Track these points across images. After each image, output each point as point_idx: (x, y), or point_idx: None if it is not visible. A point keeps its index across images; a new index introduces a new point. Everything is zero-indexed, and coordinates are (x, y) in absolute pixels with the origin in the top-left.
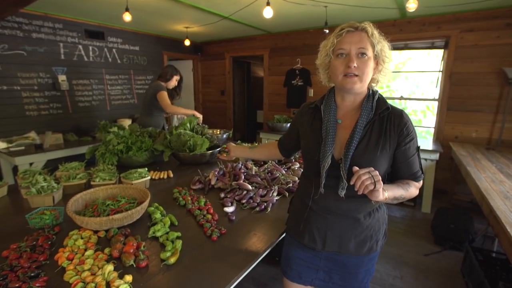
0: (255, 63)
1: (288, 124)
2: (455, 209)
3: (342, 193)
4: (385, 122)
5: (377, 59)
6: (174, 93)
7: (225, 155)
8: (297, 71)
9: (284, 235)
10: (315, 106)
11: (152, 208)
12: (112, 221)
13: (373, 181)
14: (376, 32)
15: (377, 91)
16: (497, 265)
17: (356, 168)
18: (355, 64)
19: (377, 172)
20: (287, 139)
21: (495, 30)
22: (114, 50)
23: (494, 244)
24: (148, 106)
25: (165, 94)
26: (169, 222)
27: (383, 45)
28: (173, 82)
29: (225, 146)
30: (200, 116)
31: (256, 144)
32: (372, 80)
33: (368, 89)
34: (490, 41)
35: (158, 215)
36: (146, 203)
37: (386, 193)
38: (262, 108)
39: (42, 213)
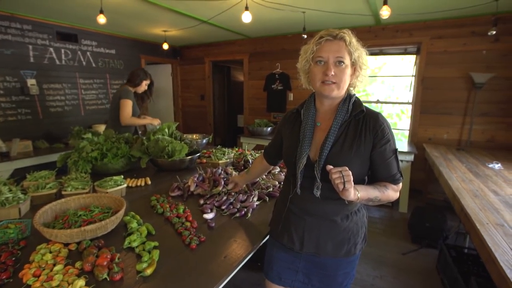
0: (235, 68)
1: (269, 128)
2: (430, 208)
3: (318, 193)
4: (360, 124)
5: (355, 66)
6: (145, 97)
7: (231, 187)
8: (276, 75)
9: (264, 240)
10: (296, 111)
11: (128, 217)
12: (84, 232)
13: (342, 180)
14: (354, 40)
15: (354, 95)
16: (469, 261)
17: (329, 166)
18: (333, 72)
19: (349, 172)
20: (271, 147)
21: (462, 38)
22: (88, 53)
23: (466, 241)
24: (116, 112)
25: (127, 103)
26: (146, 231)
27: (361, 52)
28: (143, 87)
29: (204, 151)
30: (158, 122)
31: (249, 167)
32: (350, 85)
33: (346, 93)
34: (458, 47)
35: (134, 225)
36: (121, 212)
37: (358, 193)
38: (242, 113)
39: (6, 226)
